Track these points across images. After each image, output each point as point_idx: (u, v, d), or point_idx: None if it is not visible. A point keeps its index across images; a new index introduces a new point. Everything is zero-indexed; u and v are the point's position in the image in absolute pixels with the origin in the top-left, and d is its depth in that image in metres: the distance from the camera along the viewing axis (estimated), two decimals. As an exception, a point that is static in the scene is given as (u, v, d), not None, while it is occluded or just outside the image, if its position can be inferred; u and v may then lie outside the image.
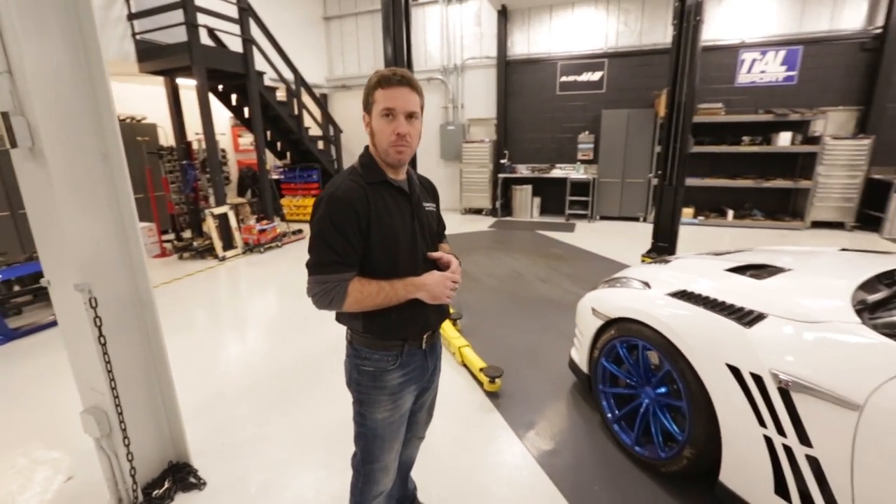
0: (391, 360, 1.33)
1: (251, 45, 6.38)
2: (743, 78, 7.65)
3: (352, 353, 1.38)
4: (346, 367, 1.44)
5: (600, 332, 2.36)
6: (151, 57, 5.92)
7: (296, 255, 6.33)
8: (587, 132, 8.66)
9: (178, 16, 5.51)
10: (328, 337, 3.68)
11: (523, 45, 8.85)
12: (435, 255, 1.37)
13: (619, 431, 2.23)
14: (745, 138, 7.46)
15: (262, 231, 6.28)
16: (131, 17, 5.76)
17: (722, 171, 7.79)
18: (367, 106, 1.26)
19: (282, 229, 6.82)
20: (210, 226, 5.86)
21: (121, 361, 1.87)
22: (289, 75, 7.44)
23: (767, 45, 7.46)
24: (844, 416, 1.32)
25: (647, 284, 2.25)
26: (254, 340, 3.80)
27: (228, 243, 6.08)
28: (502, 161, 9.12)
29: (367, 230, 1.23)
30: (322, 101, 8.83)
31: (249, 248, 6.25)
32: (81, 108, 1.73)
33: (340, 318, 1.38)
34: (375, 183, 1.27)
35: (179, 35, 5.65)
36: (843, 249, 2.46)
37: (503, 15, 8.61)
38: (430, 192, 1.50)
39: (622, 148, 8.13)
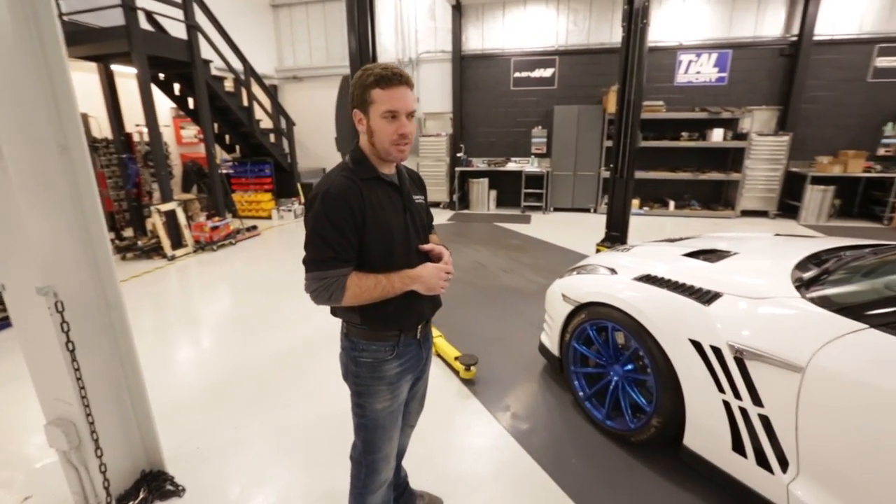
0: (388, 350, 1.37)
1: (196, 31, 6.02)
2: (681, 78, 8.22)
3: (348, 345, 1.40)
4: (342, 360, 1.46)
5: (571, 316, 2.50)
6: (82, 41, 5.42)
7: (252, 253, 6.10)
8: (540, 127, 8.95)
9: (111, -3, 5.10)
10: (297, 333, 3.62)
11: (477, 40, 8.97)
12: (426, 247, 1.42)
13: (591, 408, 2.40)
14: (684, 134, 8.03)
15: (214, 228, 5.98)
16: (57, -5, 5.24)
17: (664, 165, 8.35)
18: (362, 104, 1.25)
19: (235, 226, 6.53)
20: (156, 223, 5.51)
21: (90, 368, 1.77)
22: (237, 65, 7.10)
23: (702, 47, 8.06)
24: (790, 378, 1.52)
25: (613, 270, 2.42)
26: (220, 342, 3.66)
27: (177, 242, 5.74)
28: (459, 155, 9.23)
29: (363, 225, 1.25)
30: (272, 93, 8.49)
31: (201, 247, 5.94)
32: (36, 96, 1.61)
33: (337, 311, 1.40)
34: (368, 179, 1.29)
35: (114, 18, 5.23)
36: (777, 235, 2.77)
37: (457, 10, 8.67)
38: (418, 184, 1.53)
39: (574, 142, 8.48)
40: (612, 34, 8.34)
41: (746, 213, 8.07)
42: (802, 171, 7.56)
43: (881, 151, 7.72)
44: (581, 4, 8.39)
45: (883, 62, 7.57)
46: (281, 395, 2.79)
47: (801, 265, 2.02)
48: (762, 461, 1.63)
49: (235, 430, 2.46)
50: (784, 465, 1.57)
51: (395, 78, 1.21)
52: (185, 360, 3.35)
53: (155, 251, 5.67)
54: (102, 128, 6.49)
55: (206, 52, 6.31)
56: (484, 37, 8.92)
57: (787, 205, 7.87)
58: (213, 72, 6.72)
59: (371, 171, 1.31)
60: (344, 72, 9.34)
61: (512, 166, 9.05)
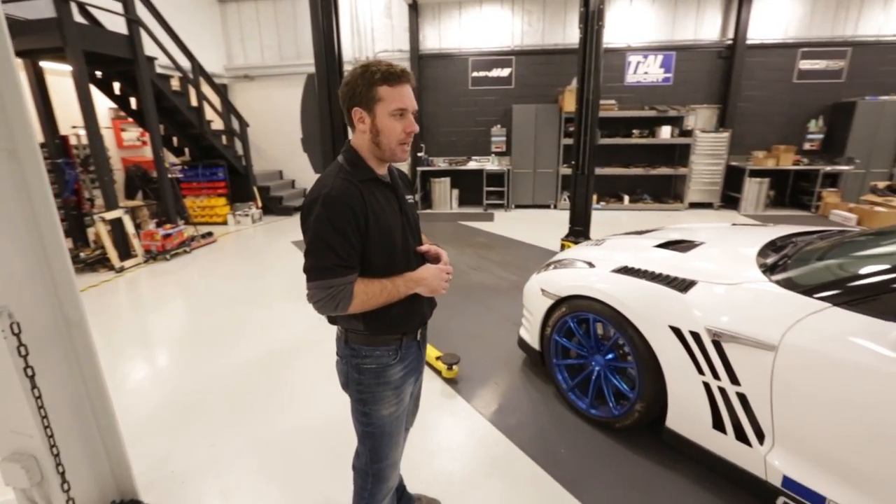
0: (391, 354, 1.34)
1: (138, 26, 5.62)
2: (631, 78, 8.62)
3: (348, 353, 1.36)
4: (340, 368, 1.41)
5: (551, 310, 2.56)
6: (5, 35, 4.92)
7: (208, 260, 5.79)
8: (499, 125, 9.09)
9: (39, -14, 4.66)
10: (268, 343, 3.48)
11: (435, 39, 8.98)
12: (423, 248, 1.41)
13: (575, 398, 2.47)
14: (635, 131, 8.43)
15: (166, 236, 5.62)
16: (-28, -16, 4.73)
17: (617, 161, 8.72)
18: (367, 102, 1.20)
19: (190, 233, 6.17)
20: (101, 233, 5.10)
21: (52, 395, 1.61)
22: (184, 62, 6.71)
23: (648, 49, 8.49)
24: (764, 356, 1.63)
25: (590, 264, 2.50)
26: (185, 357, 3.43)
27: (126, 252, 5.35)
28: (420, 154, 9.21)
29: (366, 229, 1.21)
30: (223, 93, 8.10)
31: (153, 256, 5.56)
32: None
33: (337, 319, 1.35)
34: (366, 181, 1.25)
35: (42, 10, 4.78)
36: (734, 224, 2.96)
37: (414, 9, 8.64)
38: (406, 183, 1.51)
39: (532, 140, 8.68)
40: (565, 35, 8.61)
41: (694, 206, 8.59)
42: (741, 165, 8.15)
43: (807, 146, 8.46)
44: (534, 6, 8.60)
45: (805, 65, 8.29)
46: (257, 408, 2.67)
47: (762, 252, 2.17)
48: (741, 436, 1.74)
49: (212, 449, 2.32)
50: (761, 438, 1.69)
51: (403, 75, 1.19)
52: (149, 379, 3.13)
53: (101, 263, 5.25)
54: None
55: (149, 48, 5.91)
56: (441, 36, 8.94)
57: (729, 196, 8.45)
58: (158, 70, 6.31)
59: (368, 172, 1.27)
60: (298, 70, 9.07)
61: (473, 165, 9.13)
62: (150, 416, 2.63)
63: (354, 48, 9.03)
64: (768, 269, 1.93)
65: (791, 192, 8.58)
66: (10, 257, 1.52)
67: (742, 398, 1.72)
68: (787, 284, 1.76)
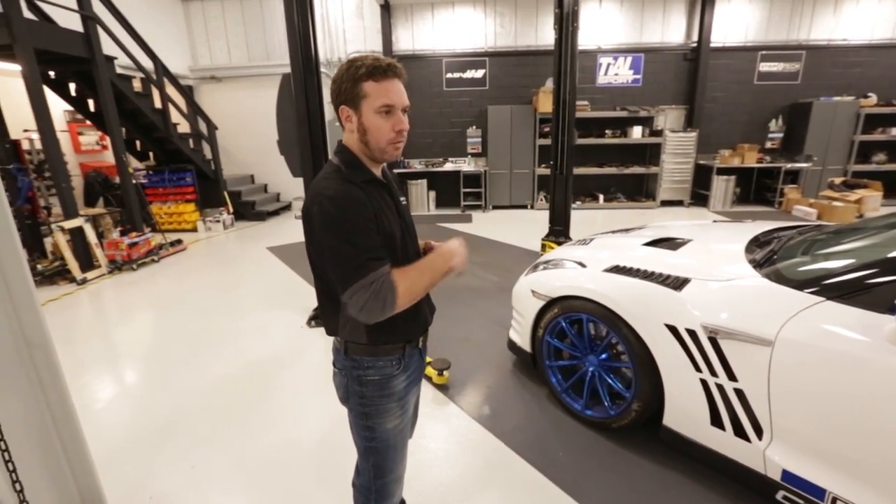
0: (395, 364, 1.28)
1: (95, 23, 5.31)
2: (602, 79, 8.79)
3: (348, 364, 1.28)
4: (339, 381, 1.33)
5: (542, 311, 2.54)
6: (-55, 31, 4.56)
7: (179, 269, 5.52)
8: (475, 127, 9.10)
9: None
10: (246, 355, 3.33)
11: (408, 41, 8.91)
12: (422, 243, 1.38)
13: (570, 400, 2.45)
14: (608, 132, 8.60)
15: (132, 245, 5.32)
16: None
17: (592, 161, 8.87)
18: (352, 100, 1.12)
19: (157, 241, 5.87)
20: (60, 243, 4.78)
21: (11, 425, 1.45)
22: (146, 63, 6.39)
23: (618, 51, 8.68)
24: (761, 352, 1.65)
25: (581, 264, 2.49)
26: (157, 373, 3.22)
27: (88, 263, 5.04)
28: (396, 156, 9.09)
29: (377, 230, 1.13)
30: (189, 94, 7.77)
31: (118, 266, 5.26)
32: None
33: (336, 330, 1.25)
34: (366, 182, 1.18)
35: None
36: (715, 221, 3.03)
37: (386, 10, 8.55)
38: (398, 184, 1.44)
39: (508, 141, 8.72)
40: (537, 37, 8.71)
41: (665, 203, 8.82)
42: (709, 164, 8.43)
43: (769, 144, 8.84)
44: (506, 8, 8.66)
45: (765, 67, 8.67)
46: (239, 425, 2.53)
47: (748, 248, 2.21)
48: (739, 432, 1.76)
49: (193, 470, 2.18)
50: (759, 433, 1.70)
51: (389, 69, 1.11)
52: (120, 399, 2.92)
53: (60, 275, 4.92)
54: (-22, 135, 5.51)
55: (108, 47, 5.60)
56: (414, 37, 8.88)
57: (698, 194, 8.74)
58: (118, 70, 5.99)
59: (367, 173, 1.20)
60: (268, 72, 8.80)
61: (449, 167, 9.10)
62: (125, 438, 2.45)
63: (326, 49, 8.82)
64: (758, 265, 1.96)
65: (755, 188, 8.94)
66: (-39, 274, 1.37)
67: (739, 394, 1.73)
68: (779, 279, 1.79)
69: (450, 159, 9.32)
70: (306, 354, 3.28)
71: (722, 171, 8.33)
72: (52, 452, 1.64)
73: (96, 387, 3.05)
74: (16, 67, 4.70)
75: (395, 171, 8.83)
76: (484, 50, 8.81)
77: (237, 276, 5.35)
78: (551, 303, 2.46)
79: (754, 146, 8.36)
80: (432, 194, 9.18)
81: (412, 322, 1.28)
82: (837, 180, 7.91)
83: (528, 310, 2.64)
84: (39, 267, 4.95)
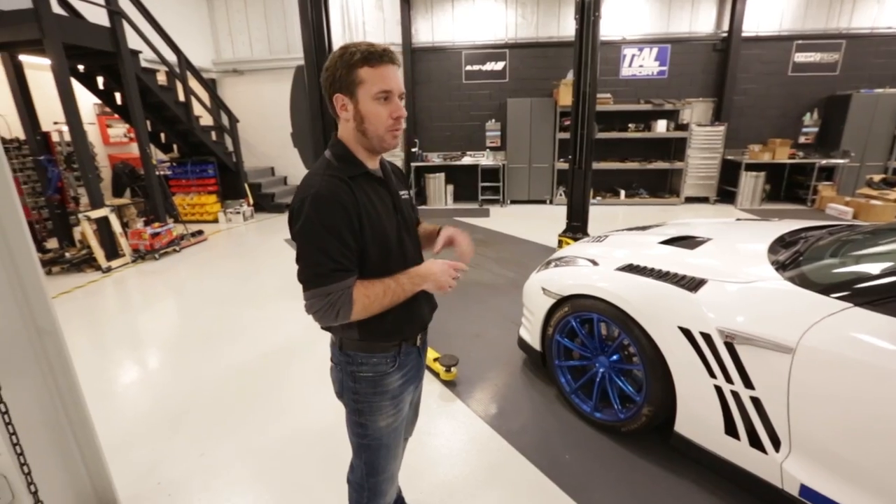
0: (390, 361, 1.25)
1: (121, 18, 5.44)
2: (626, 71, 8.53)
3: (343, 359, 1.26)
4: (334, 376, 1.31)
5: (552, 310, 2.48)
6: (-20, 27, 4.74)
7: (199, 259, 5.65)
8: (494, 120, 8.97)
9: (15, -24, 4.47)
10: (259, 346, 3.37)
11: (427, 33, 8.82)
12: (444, 236, 1.35)
13: (579, 401, 2.39)
14: (631, 125, 8.36)
15: (155, 235, 5.46)
16: (-56, -27, 4.53)
17: (613, 155, 8.64)
18: (348, 87, 1.09)
19: (179, 231, 6.01)
20: (87, 232, 4.94)
21: (20, 409, 1.49)
22: (170, 56, 6.52)
23: (643, 42, 8.39)
24: (781, 359, 1.55)
25: (593, 262, 2.41)
26: (173, 360, 3.31)
27: (113, 251, 5.20)
28: (413, 150, 9.08)
29: (360, 230, 1.11)
30: (211, 87, 7.91)
31: (141, 256, 5.41)
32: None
33: (331, 327, 1.24)
34: (356, 176, 1.14)
35: (17, 0, 4.59)
36: (738, 219, 2.89)
37: (406, 1, 8.47)
38: (400, 177, 1.40)
39: (527, 135, 8.58)
40: (559, 28, 8.50)
41: (690, 200, 8.54)
42: (737, 159, 8.11)
43: (802, 139, 8.43)
44: (528, -2, 8.47)
45: (800, 57, 8.25)
46: (249, 414, 2.57)
47: (773, 248, 2.09)
48: (755, 442, 1.67)
49: (201, 458, 2.22)
50: (777, 444, 1.61)
51: (384, 55, 1.08)
52: (135, 385, 3.01)
53: (87, 263, 5.09)
54: (12, 127, 5.74)
55: (133, 41, 5.73)
56: (434, 29, 8.79)
57: (725, 191, 8.42)
58: (144, 64, 6.13)
59: (358, 166, 1.16)
60: (289, 65, 8.87)
61: (468, 160, 9.01)
62: (137, 423, 2.52)
63: (345, 41, 8.83)
64: (781, 267, 1.85)
65: (787, 185, 8.55)
66: (-28, 262, 1.40)
67: (756, 402, 1.64)
68: (803, 282, 1.68)
69: (468, 153, 9.23)
70: (316, 346, 3.30)
71: (751, 167, 7.99)
72: (61, 437, 1.68)
73: (114, 372, 3.15)
74: (46, 61, 4.85)
75: (413, 163, 8.83)
76: (504, 42, 8.65)
77: (255, 267, 5.43)
78: (562, 301, 2.40)
79: (786, 141, 7.98)
80: (450, 188, 9.12)
81: (407, 320, 1.24)
82: (876, 177, 7.49)
83: (538, 307, 2.58)
84: (67, 255, 5.13)
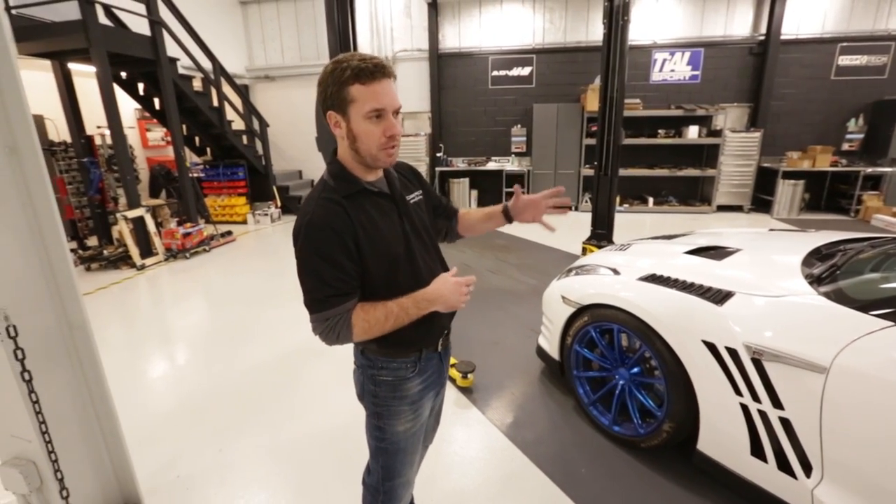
0: (410, 367, 1.24)
1: (161, 27, 5.70)
2: (656, 76, 8.34)
3: (365, 363, 1.26)
4: (357, 378, 1.32)
5: (571, 319, 2.42)
6: (34, 36, 5.04)
7: (228, 260, 5.82)
8: (519, 125, 8.92)
9: (66, -11, 4.75)
10: (281, 345, 3.43)
11: (454, 38, 8.87)
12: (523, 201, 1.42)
13: (597, 414, 2.32)
14: (661, 131, 8.14)
15: (186, 235, 5.67)
16: (4, -12, 4.85)
17: (642, 162, 8.44)
18: (339, 105, 1.05)
19: (209, 232, 6.22)
20: (123, 231, 5.17)
21: (51, 399, 1.56)
22: (206, 63, 6.78)
23: (675, 46, 8.19)
24: (813, 379, 1.46)
25: (614, 270, 2.35)
26: (197, 356, 3.41)
27: (147, 250, 5.42)
28: (438, 155, 9.11)
29: (357, 250, 1.09)
30: (244, 93, 8.18)
31: (173, 255, 5.62)
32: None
33: None
34: (352, 194, 1.12)
35: (68, 12, 4.88)
36: (772, 230, 2.76)
37: (433, 7, 8.55)
38: (411, 177, 1.35)
39: (553, 140, 8.48)
40: (588, 32, 8.39)
41: (722, 209, 8.24)
42: (774, 167, 7.77)
43: (845, 146, 8.02)
44: (556, 3, 8.40)
45: (844, 60, 7.86)
46: (268, 413, 2.61)
47: (807, 261, 1.99)
48: (784, 466, 1.58)
49: (220, 454, 2.27)
50: (808, 469, 1.52)
51: (377, 70, 1.02)
52: (160, 379, 3.11)
53: (123, 260, 5.33)
54: (60, 130, 6.09)
55: (171, 49, 5.99)
56: (461, 35, 8.83)
57: (760, 199, 8.08)
58: (181, 70, 6.39)
59: (354, 184, 1.13)
60: (318, 70, 9.07)
61: (492, 166, 8.99)
62: (160, 417, 2.60)
63: (374, 48, 9.00)
64: (815, 281, 1.75)
65: (828, 195, 8.14)
66: (9, 258, 1.48)
67: (785, 424, 1.55)
68: (839, 298, 1.58)
69: (493, 158, 9.21)
70: (334, 347, 3.33)
71: (789, 175, 7.64)
72: (87, 427, 1.75)
73: (140, 366, 3.26)
74: (91, 69, 5.12)
75: (438, 168, 8.86)
76: (531, 47, 8.60)
77: (280, 267, 5.55)
78: (581, 310, 2.34)
79: (828, 148, 7.61)
80: (474, 193, 9.10)
81: (423, 332, 1.22)
82: (928, 187, 7.04)
83: (557, 316, 2.53)
84: (105, 252, 5.38)
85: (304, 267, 1.09)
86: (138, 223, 5.35)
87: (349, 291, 1.10)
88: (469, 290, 1.19)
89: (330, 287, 1.07)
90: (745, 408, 1.65)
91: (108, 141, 5.48)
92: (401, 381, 1.23)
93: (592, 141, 7.52)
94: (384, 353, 1.21)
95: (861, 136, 7.93)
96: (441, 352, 1.32)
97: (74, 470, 1.66)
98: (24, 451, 1.57)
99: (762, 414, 1.61)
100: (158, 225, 5.76)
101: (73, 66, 5.79)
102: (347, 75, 1.02)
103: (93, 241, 6.06)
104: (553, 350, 2.62)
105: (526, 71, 8.75)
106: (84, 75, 6.20)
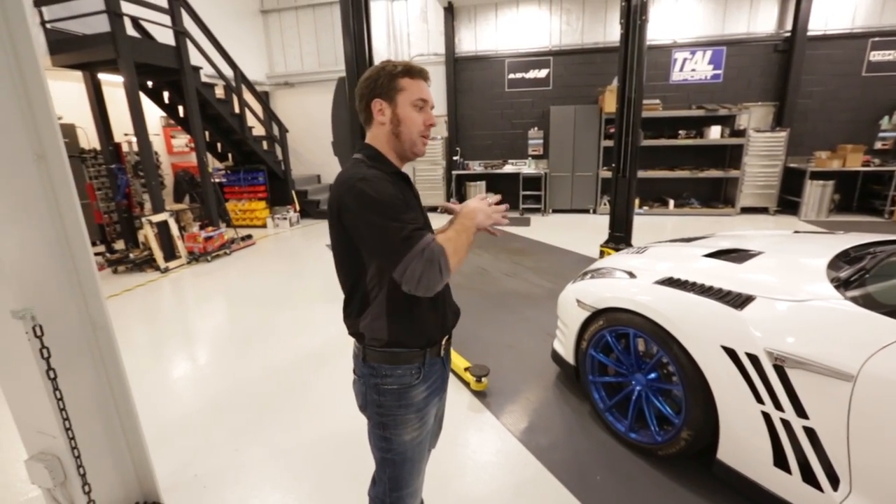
0: (414, 373, 1.24)
1: (185, 37, 5.88)
2: (676, 76, 8.18)
3: (367, 371, 1.26)
4: (358, 389, 1.33)
5: (587, 323, 2.38)
6: (66, 49, 5.28)
7: (248, 263, 5.94)
8: (536, 128, 8.86)
9: (96, 3, 4.94)
10: (298, 347, 3.47)
11: (471, 42, 8.89)
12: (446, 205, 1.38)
13: (613, 420, 2.27)
14: (681, 132, 7.98)
15: (208, 238, 5.81)
16: (39, 2, 5.09)
17: (662, 163, 8.28)
18: (388, 93, 1.17)
19: (230, 236, 6.36)
20: (148, 235, 5.33)
21: (74, 397, 1.61)
22: (227, 71, 6.96)
23: (696, 45, 8.02)
24: (839, 388, 1.40)
25: (631, 274, 2.30)
26: (217, 357, 3.49)
27: (170, 253, 5.57)
28: (455, 158, 9.12)
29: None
30: (264, 100, 8.36)
31: (195, 258, 5.77)
32: (8, 102, 1.47)
33: (358, 328, 1.25)
34: (392, 173, 1.19)
35: (98, 25, 5.08)
36: (797, 232, 2.67)
37: (449, 12, 8.59)
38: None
39: (570, 143, 8.40)
40: (605, 33, 8.30)
41: (746, 210, 8.01)
42: (801, 167, 7.53)
43: (878, 145, 7.70)
44: (573, 4, 8.34)
45: (877, 56, 7.56)
46: (283, 414, 2.64)
47: (833, 264, 1.91)
48: (809, 478, 1.51)
49: (235, 454, 2.30)
50: (834, 482, 1.45)
51: (423, 72, 1.22)
52: (180, 379, 3.19)
53: (148, 263, 5.49)
54: (90, 138, 6.33)
55: (195, 58, 6.17)
56: (477, 38, 8.84)
57: (787, 201, 7.83)
58: (203, 79, 6.58)
59: (391, 165, 1.22)
60: (336, 76, 9.24)
61: (509, 168, 8.95)
62: (180, 417, 2.66)
63: (390, 52, 9.09)
64: (842, 285, 1.68)
65: (860, 195, 7.84)
66: (36, 260, 1.54)
67: (810, 434, 1.49)
68: (867, 303, 1.52)
69: (509, 161, 9.17)
70: (350, 349, 3.35)
71: (817, 176, 7.38)
72: (109, 425, 1.80)
73: (161, 366, 3.35)
74: (119, 78, 5.31)
75: (455, 171, 8.87)
76: (548, 49, 8.55)
77: (298, 271, 5.64)
78: (597, 314, 2.30)
79: (859, 147, 7.32)
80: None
81: (430, 322, 1.23)
82: (969, 187, 6.70)
83: (572, 320, 2.49)
84: (131, 255, 5.55)
85: (376, 215, 1.05)
86: (162, 227, 5.51)
87: (424, 226, 1.15)
88: (499, 209, 1.26)
89: (409, 225, 1.06)
90: (767, 416, 1.59)
91: (135, 148, 5.67)
92: (406, 388, 1.22)
93: (611, 143, 7.44)
94: (389, 358, 1.21)
95: (895, 134, 7.60)
96: (443, 356, 1.32)
97: (96, 466, 1.72)
98: (49, 447, 1.63)
99: (785, 423, 1.55)
100: (181, 229, 5.92)
101: (103, 77, 6.02)
102: (399, 70, 1.17)
103: (120, 245, 6.27)
104: (568, 354, 2.58)
105: (543, 73, 8.70)
106: (113, 85, 6.44)
